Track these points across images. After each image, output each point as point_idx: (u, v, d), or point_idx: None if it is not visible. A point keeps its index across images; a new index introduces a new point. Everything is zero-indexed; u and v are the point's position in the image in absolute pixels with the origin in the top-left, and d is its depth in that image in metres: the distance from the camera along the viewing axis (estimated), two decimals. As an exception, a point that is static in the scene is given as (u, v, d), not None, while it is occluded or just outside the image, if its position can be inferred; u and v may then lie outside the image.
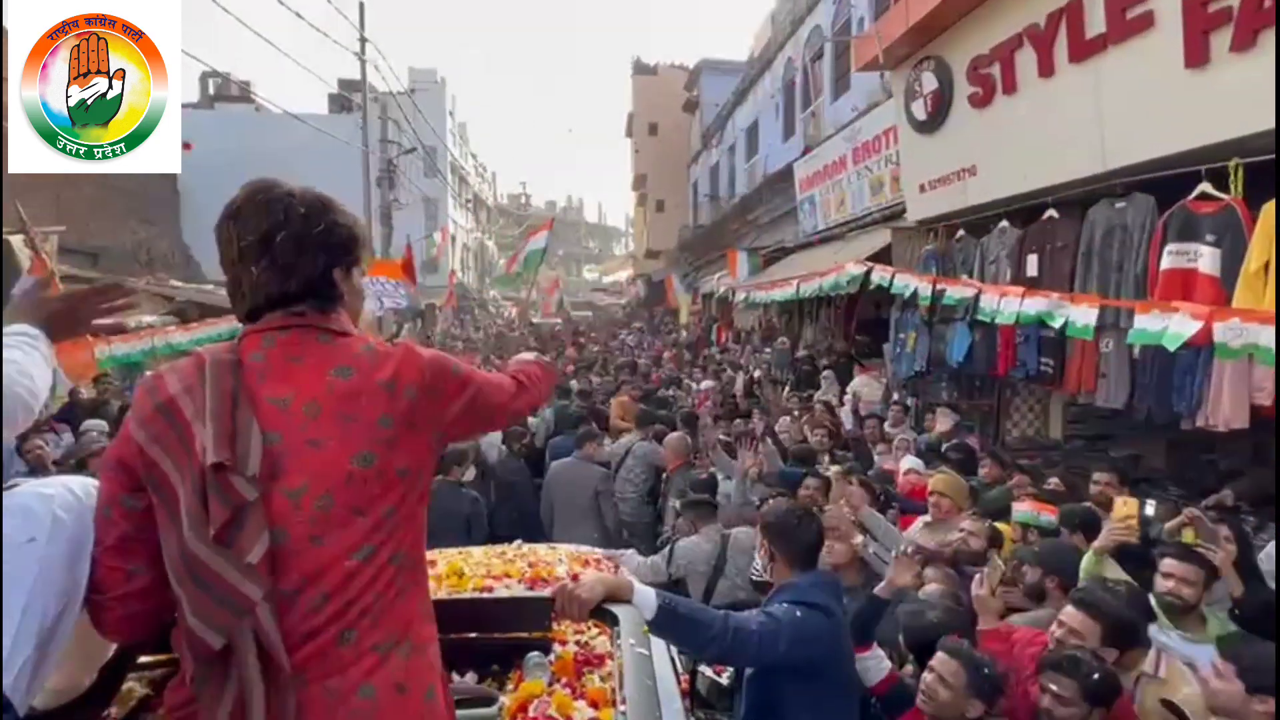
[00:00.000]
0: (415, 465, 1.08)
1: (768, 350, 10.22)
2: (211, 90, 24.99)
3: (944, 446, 4.91)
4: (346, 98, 19.46)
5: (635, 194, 29.79)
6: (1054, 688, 1.79)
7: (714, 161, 19.53)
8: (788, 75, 13.14)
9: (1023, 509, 3.26)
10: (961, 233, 5.75)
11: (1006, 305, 4.47)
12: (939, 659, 1.88)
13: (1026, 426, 6.16)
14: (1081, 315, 3.77)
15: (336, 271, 1.12)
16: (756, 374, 8.55)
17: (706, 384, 8.47)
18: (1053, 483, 3.95)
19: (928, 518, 3.45)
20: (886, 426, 5.56)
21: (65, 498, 1.01)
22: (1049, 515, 3.19)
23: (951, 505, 3.35)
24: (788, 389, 7.99)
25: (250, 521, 0.96)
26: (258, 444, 0.98)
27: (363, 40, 14.70)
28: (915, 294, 5.58)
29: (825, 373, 7.73)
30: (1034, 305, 4.21)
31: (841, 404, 6.75)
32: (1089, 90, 4.22)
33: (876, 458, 5.08)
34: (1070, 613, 2.05)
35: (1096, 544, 2.54)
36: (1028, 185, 4.92)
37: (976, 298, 4.78)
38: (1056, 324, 4.04)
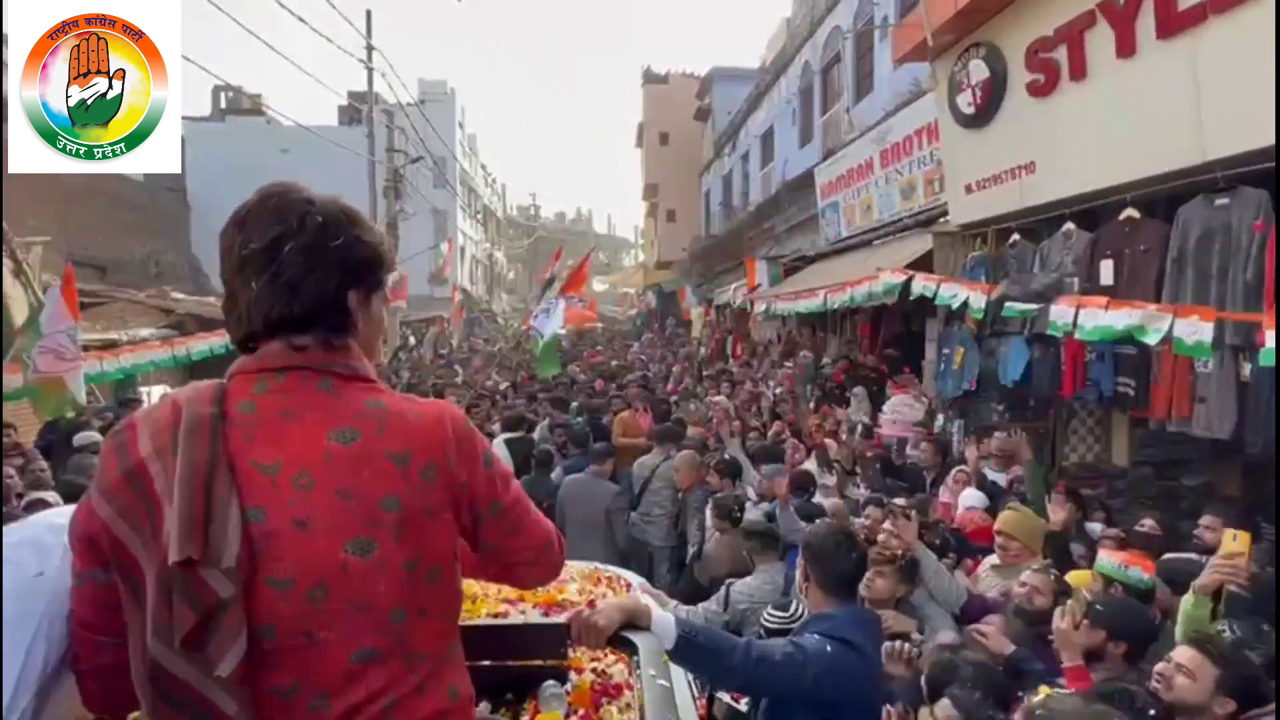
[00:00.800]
0: (433, 558, 0.91)
1: (787, 365, 9.74)
2: (223, 104, 24.93)
3: (1010, 480, 4.33)
4: (357, 109, 19.27)
5: (646, 204, 29.52)
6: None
7: (727, 170, 19.24)
8: (805, 79, 12.76)
9: (1109, 560, 2.75)
10: (1016, 237, 5.18)
11: (1086, 318, 3.87)
12: (1182, 652, 1.80)
13: (1085, 451, 5.56)
14: (1190, 330, 3.16)
15: (352, 295, 0.96)
16: (778, 391, 7.98)
17: (718, 399, 7.96)
18: (1147, 525, 3.33)
19: (995, 559, 3.16)
20: (910, 451, 4.99)
21: (60, 535, 0.93)
22: (1141, 570, 2.64)
23: (1022, 548, 3.03)
24: (812, 406, 7.51)
25: (224, 623, 0.83)
26: (236, 526, 0.84)
27: (369, 48, 14.39)
28: (965, 305, 4.98)
29: (855, 390, 7.14)
30: (1122, 318, 3.60)
31: (877, 424, 6.17)
32: (1183, 70, 3.63)
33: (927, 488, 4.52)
34: (1185, 651, 1.85)
35: (1198, 582, 2.24)
36: (1100, 182, 4.33)
37: (1045, 309, 4.17)
38: (1152, 340, 3.43)
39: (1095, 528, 3.62)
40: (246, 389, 0.91)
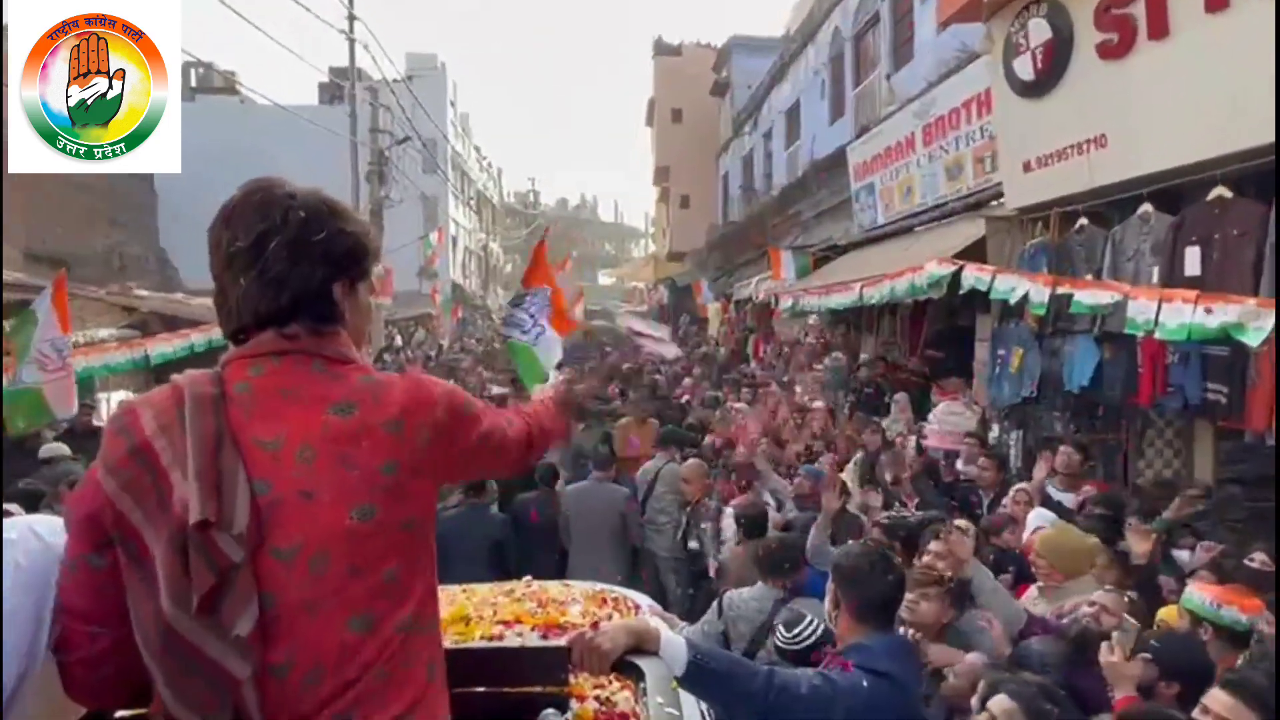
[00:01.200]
0: (421, 515, 1.07)
1: (817, 368, 9.57)
2: (194, 81, 25.04)
3: (1080, 501, 4.16)
4: (339, 86, 19.32)
5: (657, 189, 29.45)
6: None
7: (747, 150, 19.15)
8: (835, 47, 12.63)
9: (1199, 595, 2.61)
10: (1083, 221, 5.00)
11: (1171, 314, 3.67)
12: (1217, 698, 1.81)
13: (1163, 466, 5.35)
14: (1304, 329, 2.96)
15: (337, 286, 1.08)
16: (807, 399, 7.82)
17: (740, 406, 7.80)
18: (1258, 560, 3.12)
19: (1040, 583, 3.17)
20: (962, 465, 4.82)
21: (28, 543, 1.00)
22: (1238, 609, 2.47)
23: (1050, 568, 3.07)
24: (847, 414, 7.34)
25: (237, 587, 0.94)
26: (245, 496, 0.95)
27: (351, 17, 14.35)
28: (1026, 299, 4.80)
29: (896, 396, 6.96)
30: (1217, 315, 3.41)
31: (924, 435, 6.00)
32: (1287, 24, 3.43)
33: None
34: (1219, 697, 1.84)
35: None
36: (1185, 157, 4.15)
37: (1122, 304, 3.99)
38: (1253, 340, 3.25)
39: (1184, 556, 3.45)
40: (243, 371, 1.02)
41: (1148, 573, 3.13)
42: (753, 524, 3.91)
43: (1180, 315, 3.65)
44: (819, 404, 7.10)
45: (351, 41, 14.63)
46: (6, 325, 5.76)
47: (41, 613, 0.98)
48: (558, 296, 6.16)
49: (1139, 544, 3.17)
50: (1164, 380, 4.35)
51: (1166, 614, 2.76)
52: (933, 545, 2.94)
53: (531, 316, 5.73)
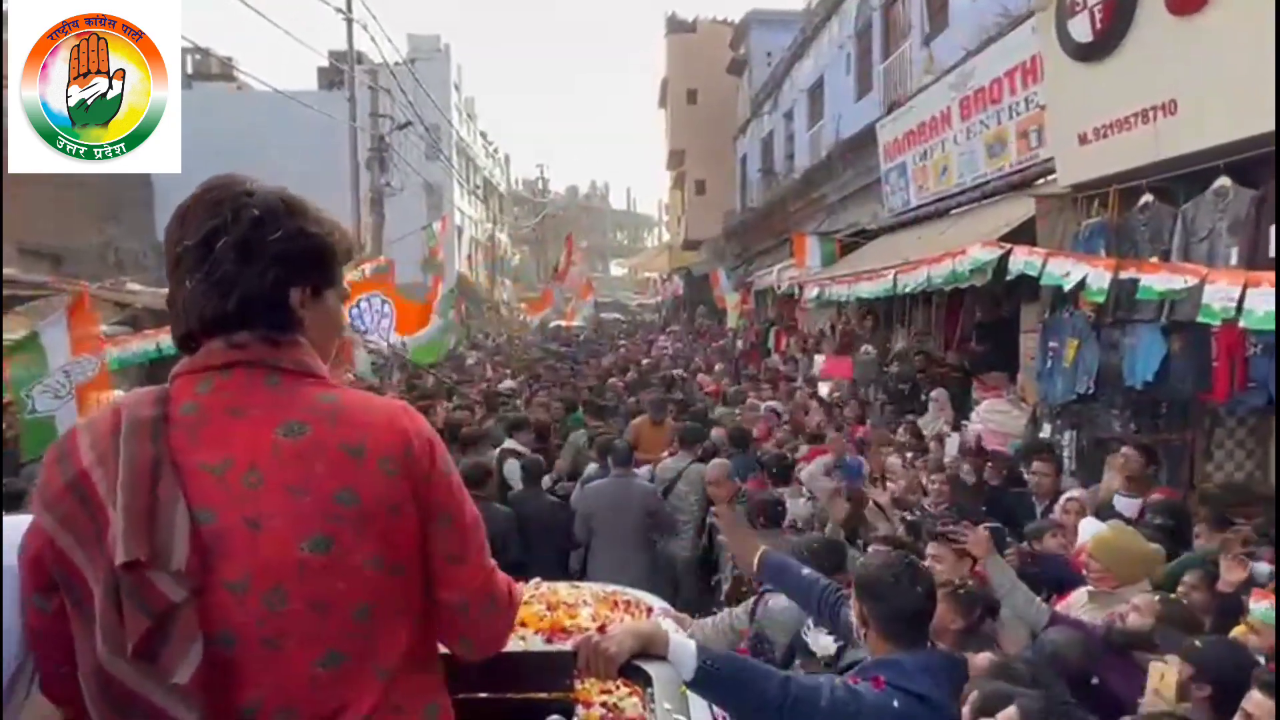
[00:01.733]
0: (398, 556, 0.99)
1: (845, 361, 9.34)
2: (189, 68, 25.13)
3: (1141, 508, 3.89)
4: (339, 70, 19.27)
5: (671, 174, 29.27)
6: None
7: (767, 131, 19.02)
8: (861, 17, 12.40)
9: (1262, 605, 2.56)
10: (1148, 198, 4.71)
11: (1257, 300, 3.40)
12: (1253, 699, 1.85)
13: (1235, 469, 5.08)
14: None
15: (295, 292, 1.03)
16: (836, 395, 7.56)
17: (770, 405, 7.58)
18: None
19: (1091, 586, 3.06)
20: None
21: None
22: None
23: (1104, 571, 2.98)
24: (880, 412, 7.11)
25: (177, 629, 0.90)
26: (184, 527, 0.91)
27: (349, -3, 14.19)
28: (1083, 285, 4.52)
29: (934, 393, 6.69)
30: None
31: (968, 434, 5.73)
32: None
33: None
34: (1255, 698, 1.89)
35: None
36: (1267, 124, 3.82)
37: (1197, 289, 3.70)
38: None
39: (1262, 569, 3.21)
40: (189, 389, 0.99)
41: (1233, 602, 2.88)
42: (767, 514, 4.07)
43: (1268, 301, 3.38)
44: (835, 395, 6.86)
45: (350, 22, 14.49)
46: (7, 341, 5.63)
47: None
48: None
49: (1233, 572, 2.91)
50: (1244, 374, 4.07)
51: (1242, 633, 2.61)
52: (930, 548, 3.00)
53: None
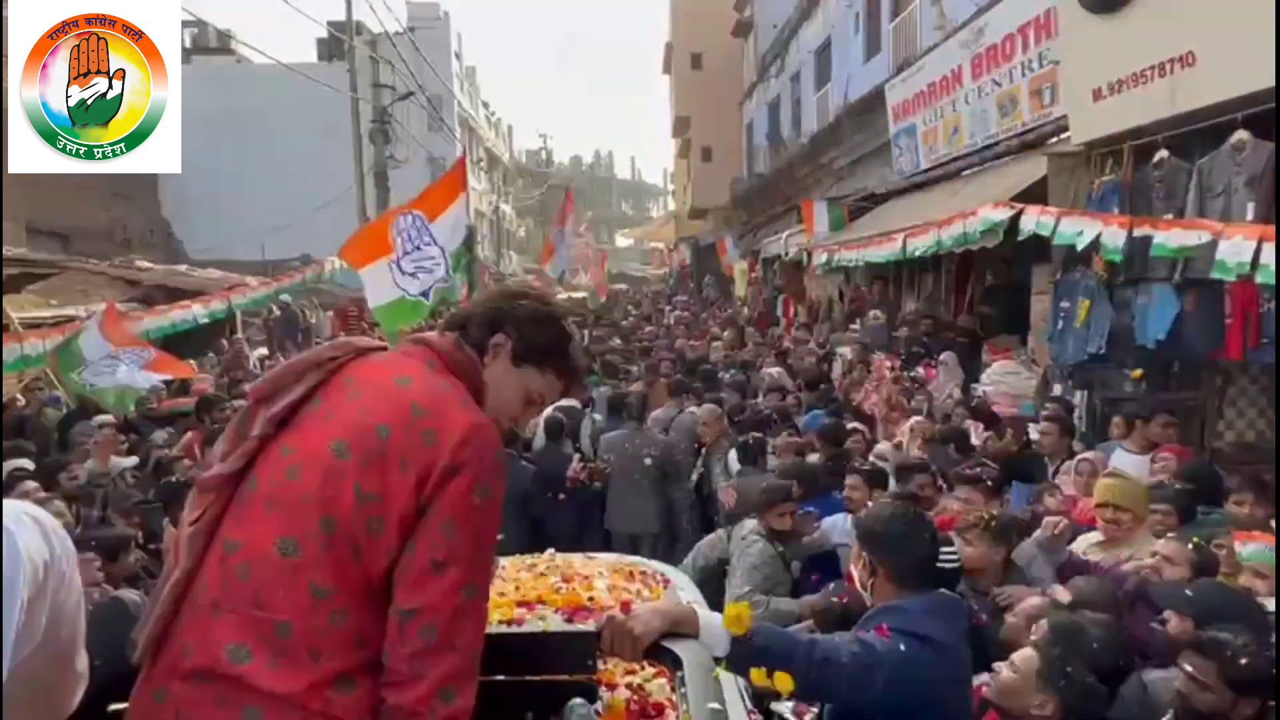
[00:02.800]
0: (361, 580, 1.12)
1: (852, 327, 9.32)
2: (188, 42, 24.86)
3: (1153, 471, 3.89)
4: (339, 41, 19.02)
5: (676, 142, 28.92)
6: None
7: (773, 95, 18.69)
8: None
9: (1256, 547, 2.60)
10: (1163, 154, 4.63)
11: (1271, 255, 3.36)
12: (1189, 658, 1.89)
13: (1246, 427, 5.09)
14: None
15: (497, 337, 1.28)
16: (849, 357, 7.56)
17: (774, 370, 7.62)
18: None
19: (1097, 535, 3.08)
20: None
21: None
22: None
23: (1134, 520, 2.99)
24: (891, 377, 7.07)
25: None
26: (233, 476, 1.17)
27: (347, -36, 13.96)
28: (1096, 244, 4.47)
29: (943, 356, 6.67)
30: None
31: (976, 398, 5.73)
32: None
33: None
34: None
35: None
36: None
37: (1211, 245, 3.67)
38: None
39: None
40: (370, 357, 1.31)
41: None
42: (749, 453, 4.48)
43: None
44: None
45: (349, -10, 14.27)
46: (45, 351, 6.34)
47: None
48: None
49: (1248, 513, 2.93)
50: (1256, 331, 4.04)
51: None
52: (959, 491, 3.22)
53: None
